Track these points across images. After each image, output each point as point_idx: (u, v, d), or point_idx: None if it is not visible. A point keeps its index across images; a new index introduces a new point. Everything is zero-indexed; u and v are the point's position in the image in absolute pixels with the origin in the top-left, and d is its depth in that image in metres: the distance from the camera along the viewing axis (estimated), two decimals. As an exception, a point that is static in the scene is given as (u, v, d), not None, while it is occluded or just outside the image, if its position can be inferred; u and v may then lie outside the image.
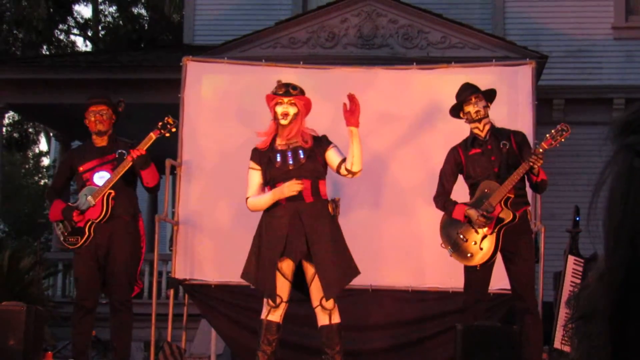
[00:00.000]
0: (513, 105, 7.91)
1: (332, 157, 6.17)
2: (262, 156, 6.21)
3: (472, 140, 6.55)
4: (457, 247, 6.47)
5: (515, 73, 8.25)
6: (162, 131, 6.83)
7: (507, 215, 6.33)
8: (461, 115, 6.61)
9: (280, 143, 6.20)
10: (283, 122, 6.13)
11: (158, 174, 6.93)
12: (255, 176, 6.23)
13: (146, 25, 22.51)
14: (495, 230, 6.36)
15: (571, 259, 7.97)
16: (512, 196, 6.33)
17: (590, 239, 0.93)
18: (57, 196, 7.05)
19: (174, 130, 6.95)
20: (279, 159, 6.13)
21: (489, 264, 6.41)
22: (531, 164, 6.18)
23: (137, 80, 12.91)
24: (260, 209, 6.20)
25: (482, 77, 8.28)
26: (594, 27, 13.82)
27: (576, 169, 12.11)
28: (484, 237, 6.38)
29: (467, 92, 6.56)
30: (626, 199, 0.88)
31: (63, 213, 6.74)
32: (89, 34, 23.56)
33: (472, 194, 6.52)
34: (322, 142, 6.21)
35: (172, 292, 8.62)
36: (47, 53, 21.54)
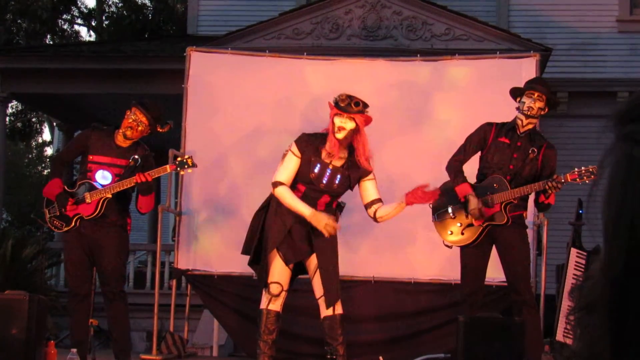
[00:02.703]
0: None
1: (368, 191, 6.12)
2: (308, 150, 6.06)
3: (509, 128, 6.49)
4: (442, 218, 6.49)
5: (519, 65, 8.24)
6: (178, 168, 6.76)
7: (500, 218, 6.33)
8: (517, 100, 6.53)
9: (326, 148, 6.03)
10: (338, 135, 5.95)
11: (154, 204, 6.90)
12: (293, 163, 6.07)
13: (150, 15, 22.49)
14: (484, 225, 6.35)
15: (574, 251, 7.96)
16: (514, 202, 6.33)
17: (590, 230, 0.93)
18: (61, 171, 7.04)
19: (189, 171, 6.86)
20: (317, 170, 6.04)
21: (482, 256, 6.42)
22: (547, 187, 6.15)
23: (140, 71, 12.90)
24: (284, 205, 6.06)
25: (487, 69, 8.28)
26: (599, 20, 13.78)
27: (579, 162, 12.05)
28: (470, 224, 6.38)
29: (537, 86, 6.46)
30: (625, 189, 0.88)
31: (57, 198, 6.71)
32: (93, 23, 23.56)
33: (480, 177, 6.49)
34: (361, 169, 6.08)
35: (174, 282, 8.63)
36: (51, 43, 21.54)
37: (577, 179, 6.22)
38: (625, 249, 0.87)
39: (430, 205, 6.55)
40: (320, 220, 5.93)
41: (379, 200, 6.11)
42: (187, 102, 8.42)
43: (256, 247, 6.18)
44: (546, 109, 6.48)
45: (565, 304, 7.69)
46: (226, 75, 8.61)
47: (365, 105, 5.99)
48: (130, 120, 6.66)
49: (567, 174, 6.23)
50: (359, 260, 7.98)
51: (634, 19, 13.80)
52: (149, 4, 22.97)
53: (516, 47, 11.35)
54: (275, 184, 6.05)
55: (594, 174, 6.18)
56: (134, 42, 16.03)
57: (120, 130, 6.73)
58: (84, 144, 6.85)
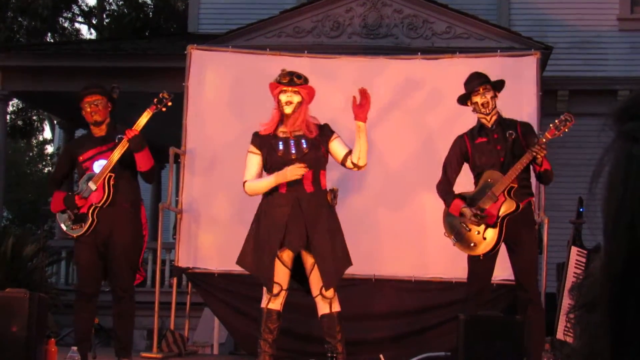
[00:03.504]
0: (518, 96, 7.89)
1: (337, 148, 6.16)
2: (264, 142, 6.20)
3: (478, 129, 6.54)
4: (460, 237, 6.46)
5: (520, 64, 8.24)
6: (159, 106, 6.73)
7: (510, 206, 6.32)
8: (468, 104, 6.59)
9: (282, 130, 6.19)
10: (287, 110, 6.11)
11: (152, 158, 6.80)
12: (255, 160, 6.23)
13: (151, 13, 22.47)
14: (499, 221, 6.35)
15: (574, 250, 7.96)
16: (516, 186, 6.32)
17: (590, 228, 0.93)
18: (58, 187, 7.03)
19: (169, 104, 6.78)
20: (281, 147, 6.13)
21: (492, 254, 6.41)
22: (534, 154, 6.17)
23: (141, 69, 12.91)
24: (259, 193, 6.21)
25: (487, 67, 8.27)
26: (599, 18, 13.79)
27: (580, 160, 12.08)
28: (487, 226, 6.38)
29: (476, 82, 6.54)
30: (624, 187, 0.88)
31: (65, 201, 6.71)
32: (94, 21, 23.54)
33: (477, 183, 6.52)
34: (325, 132, 6.20)
35: (175, 280, 8.63)
36: (52, 41, 21.52)
37: (556, 132, 6.30)
38: (626, 248, 0.87)
39: (446, 235, 6.54)
40: (286, 173, 6.00)
41: (350, 151, 6.14)
42: (187, 100, 8.42)
43: (255, 257, 6.17)
44: (497, 94, 6.54)
45: (566, 302, 7.69)
46: (227, 73, 8.60)
47: (307, 79, 6.20)
48: (88, 109, 6.73)
49: (546, 132, 6.28)
50: (359, 258, 7.96)
51: (635, 17, 13.81)
52: (149, 2, 22.96)
53: (517, 46, 11.35)
54: (243, 185, 6.23)
55: (569, 120, 6.27)
56: (135, 40, 16.03)
57: (90, 124, 6.82)
58: (69, 154, 6.97)
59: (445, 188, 6.54)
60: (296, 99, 6.14)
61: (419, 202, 7.92)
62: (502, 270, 6.75)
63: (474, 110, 6.55)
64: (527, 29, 13.12)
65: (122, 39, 17.10)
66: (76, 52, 13.97)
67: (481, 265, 6.44)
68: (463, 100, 6.63)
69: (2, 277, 11.00)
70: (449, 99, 8.18)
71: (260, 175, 6.22)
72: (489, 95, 6.47)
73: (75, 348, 6.28)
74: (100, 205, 6.64)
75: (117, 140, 6.66)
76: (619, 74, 13.44)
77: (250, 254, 6.18)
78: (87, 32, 35.01)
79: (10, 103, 17.09)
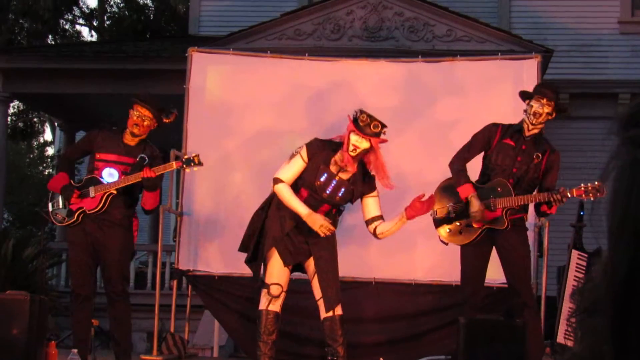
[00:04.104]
0: (518, 99, 7.88)
1: (370, 207, 6.14)
2: (318, 156, 6.08)
3: (515, 130, 6.47)
4: (441, 215, 6.52)
5: (520, 67, 8.23)
6: (184, 166, 6.75)
7: (500, 224, 6.31)
8: (526, 102, 6.52)
9: (336, 160, 6.06)
10: (351, 153, 5.96)
11: (159, 201, 6.87)
12: (298, 165, 6.09)
13: (152, 15, 22.49)
14: (483, 227, 6.35)
15: (575, 253, 7.96)
16: (515, 208, 6.32)
17: (593, 233, 0.93)
18: (67, 167, 7.05)
19: (195, 169, 6.87)
20: (323, 179, 6.06)
21: (482, 258, 6.42)
22: (552, 200, 6.14)
23: (142, 71, 12.91)
24: (283, 203, 6.09)
25: (488, 70, 8.28)
26: (600, 21, 13.79)
27: (581, 163, 12.08)
28: (468, 225, 6.39)
29: (547, 91, 6.42)
30: (629, 193, 0.88)
31: (63, 190, 6.73)
32: (95, 24, 23.56)
33: (482, 177, 6.48)
34: (366, 185, 6.12)
35: (175, 283, 8.63)
36: (53, 43, 21.53)
37: (583, 195, 6.17)
38: (629, 253, 0.87)
39: (435, 207, 6.55)
40: (316, 221, 5.95)
41: (381, 217, 6.13)
42: (188, 103, 8.42)
43: (254, 246, 6.21)
44: (554, 114, 6.45)
45: (566, 306, 7.69)
46: (228, 75, 8.61)
47: (384, 126, 5.99)
48: (135, 117, 6.71)
49: (574, 189, 6.17)
50: (360, 262, 7.98)
51: (636, 20, 13.81)
52: (150, 4, 22.98)
53: (518, 49, 11.35)
54: (276, 181, 6.08)
55: (600, 191, 6.07)
56: (136, 42, 16.03)
57: (128, 129, 6.77)
58: (91, 143, 6.89)
59: (460, 165, 6.46)
60: (364, 145, 5.95)
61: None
62: (501, 274, 6.74)
63: (525, 111, 6.46)
64: (528, 32, 13.12)
65: (123, 41, 17.11)
66: (77, 54, 13.96)
67: (472, 266, 6.45)
68: (525, 96, 6.51)
69: (3, 279, 11.00)
70: (448, 101, 8.19)
71: (294, 180, 6.10)
72: (546, 110, 6.36)
73: (75, 351, 6.28)
74: (90, 212, 6.67)
75: (137, 159, 6.67)
76: (619, 77, 13.44)
77: (250, 242, 6.23)
78: (88, 34, 35.03)
79: (11, 105, 17.09)
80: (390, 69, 8.53)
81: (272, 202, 6.20)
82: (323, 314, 6.12)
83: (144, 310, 10.81)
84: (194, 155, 6.78)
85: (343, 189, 6.06)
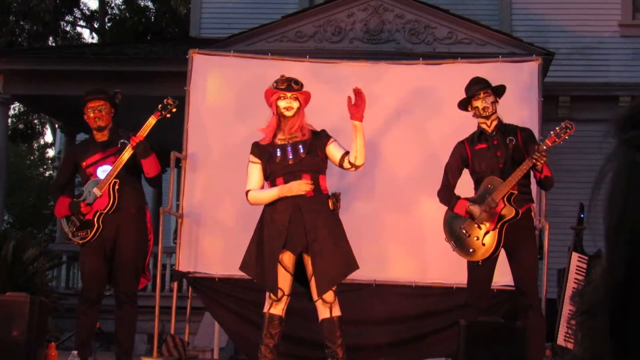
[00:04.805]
0: (519, 101, 7.89)
1: (334, 151, 6.18)
2: (263, 151, 6.23)
3: (478, 134, 6.55)
4: (459, 242, 6.47)
5: (521, 69, 8.23)
6: (163, 112, 6.72)
7: (509, 212, 6.32)
8: (469, 109, 6.60)
9: (280, 138, 6.21)
10: (288, 114, 6.13)
11: (159, 164, 6.82)
12: (255, 170, 6.26)
13: (152, 17, 22.50)
14: (498, 226, 6.36)
15: (575, 256, 7.96)
16: (516, 192, 6.32)
17: (591, 235, 0.93)
18: (61, 192, 7.02)
19: (174, 110, 6.79)
20: (278, 153, 6.15)
21: (491, 260, 6.41)
22: (534, 161, 6.17)
23: (143, 73, 12.92)
24: (262, 203, 6.23)
25: (489, 73, 8.27)
26: (601, 24, 13.79)
27: (581, 166, 12.09)
28: (487, 232, 6.38)
29: (477, 87, 6.55)
30: (627, 195, 0.88)
31: (70, 207, 6.72)
32: (95, 25, 23.57)
33: (476, 189, 6.52)
34: (321, 137, 6.22)
35: (175, 284, 8.62)
36: (53, 45, 21.55)
37: (556, 139, 6.25)
38: (627, 254, 0.87)
39: (446, 240, 6.56)
40: (292, 187, 6.02)
41: (347, 152, 6.14)
42: (189, 105, 8.42)
43: (256, 260, 6.19)
44: (498, 99, 6.55)
45: (567, 308, 7.69)
46: (228, 77, 8.61)
47: (302, 85, 6.26)
48: (92, 114, 6.77)
49: (546, 139, 6.26)
50: (360, 263, 7.96)
51: (637, 23, 13.81)
52: (151, 6, 22.99)
53: (518, 51, 11.36)
54: (246, 194, 6.28)
55: (569, 127, 6.22)
56: (136, 44, 16.04)
57: (93, 129, 6.85)
58: (72, 159, 7.00)
59: (447, 193, 6.55)
60: (295, 104, 6.19)
61: (420, 208, 7.92)
62: (503, 276, 6.74)
63: (475, 115, 6.56)
64: (529, 34, 13.13)
65: (124, 43, 17.13)
66: (78, 56, 13.98)
67: (480, 271, 6.45)
68: (464, 104, 6.65)
69: (3, 281, 10.99)
70: (450, 104, 8.19)
71: (262, 184, 6.24)
72: (489, 100, 6.49)
73: (75, 352, 6.28)
74: (105, 211, 6.66)
75: (119, 145, 6.67)
76: (620, 80, 13.44)
77: (253, 260, 6.18)
78: (88, 36, 35.08)
79: (12, 107, 17.10)
80: (391, 71, 8.53)
81: (263, 216, 6.23)
82: (321, 315, 6.10)
83: (145, 312, 10.77)
84: (166, 100, 6.78)
85: (300, 146, 6.13)
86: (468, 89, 6.62)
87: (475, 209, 6.34)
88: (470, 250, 6.44)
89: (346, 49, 12.02)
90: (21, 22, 20.66)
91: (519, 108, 7.84)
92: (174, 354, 8.19)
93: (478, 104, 6.49)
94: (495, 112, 6.54)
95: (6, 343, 5.97)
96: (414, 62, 8.76)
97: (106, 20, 23.07)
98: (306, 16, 12.55)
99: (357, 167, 6.18)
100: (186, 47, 9.64)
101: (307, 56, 8.92)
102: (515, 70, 8.22)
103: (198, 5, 14.93)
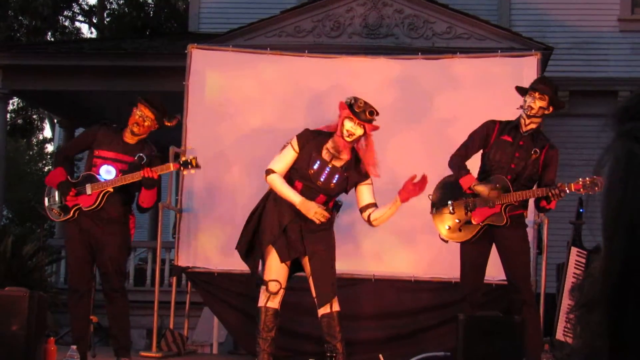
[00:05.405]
0: (518, 96, 7.88)
1: (364, 194, 6.14)
2: (309, 145, 6.10)
3: (512, 126, 6.48)
4: (440, 212, 6.50)
5: (520, 64, 8.23)
6: (182, 168, 6.70)
7: (499, 220, 6.32)
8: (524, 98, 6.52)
9: (328, 148, 6.08)
10: (347, 139, 5.99)
11: (156, 199, 6.84)
12: (289, 157, 6.11)
13: (151, 12, 22.49)
14: (481, 224, 6.35)
15: (574, 250, 7.97)
16: (515, 204, 6.32)
17: (590, 229, 0.94)
18: (65, 163, 7.00)
19: (192, 172, 6.83)
20: (316, 167, 6.06)
21: (483, 250, 6.42)
22: (550, 195, 6.13)
23: (141, 68, 12.90)
24: (275, 191, 6.13)
25: (488, 68, 8.27)
26: (600, 19, 13.78)
27: (580, 161, 12.08)
28: (468, 222, 6.39)
29: (539, 86, 6.45)
30: (624, 186, 0.88)
31: (59, 186, 6.72)
32: (94, 20, 23.55)
33: (481, 174, 6.48)
34: (360, 172, 6.12)
35: (174, 279, 8.63)
36: (52, 40, 21.53)
37: (581, 190, 6.14)
38: (625, 247, 0.87)
39: (431, 198, 6.57)
40: (310, 209, 5.96)
41: (374, 204, 6.12)
42: (187, 100, 8.42)
43: (251, 243, 6.22)
44: (550, 109, 6.45)
45: (566, 302, 7.70)
46: (227, 72, 8.60)
47: (377, 113, 6.03)
48: (137, 117, 6.69)
49: (572, 184, 6.15)
50: (360, 258, 7.99)
51: (636, 18, 13.80)
52: (150, 1, 22.97)
53: (517, 46, 11.35)
54: (268, 172, 6.11)
55: (598, 185, 6.04)
56: (135, 39, 16.03)
57: (128, 127, 6.75)
58: (90, 139, 6.87)
59: (459, 161, 6.48)
60: (359, 131, 6.00)
61: (419, 202, 7.91)
62: (500, 271, 6.74)
63: (521, 106, 6.49)
64: (528, 29, 13.11)
65: (123, 38, 17.10)
66: (76, 51, 13.95)
67: (471, 263, 6.45)
68: (520, 92, 6.54)
69: (2, 276, 11.00)
70: (449, 98, 8.19)
71: (286, 172, 6.12)
72: (538, 104, 6.39)
73: (74, 347, 6.27)
74: (86, 210, 6.67)
75: (136, 159, 6.65)
76: (619, 74, 13.43)
77: (246, 238, 6.23)
78: (87, 31, 35.03)
79: (11, 102, 17.09)
80: (389, 66, 8.52)
81: (269, 198, 6.20)
82: (321, 310, 6.12)
83: (144, 307, 10.81)
84: (191, 157, 6.74)
85: (337, 176, 6.06)
86: (534, 82, 6.57)
87: (483, 188, 6.30)
88: (446, 226, 6.47)
89: (345, 44, 12.00)
90: (20, 17, 20.65)
91: (518, 103, 7.83)
92: (173, 349, 8.20)
93: (528, 100, 6.41)
94: (539, 118, 6.43)
95: (5, 338, 5.97)
96: (413, 57, 8.76)
97: (105, 15, 23.04)
98: (305, 11, 12.53)
99: (371, 225, 6.20)
100: (185, 42, 9.63)
101: (306, 51, 8.91)
102: (514, 65, 8.22)
103: (197, 0, 14.91)
